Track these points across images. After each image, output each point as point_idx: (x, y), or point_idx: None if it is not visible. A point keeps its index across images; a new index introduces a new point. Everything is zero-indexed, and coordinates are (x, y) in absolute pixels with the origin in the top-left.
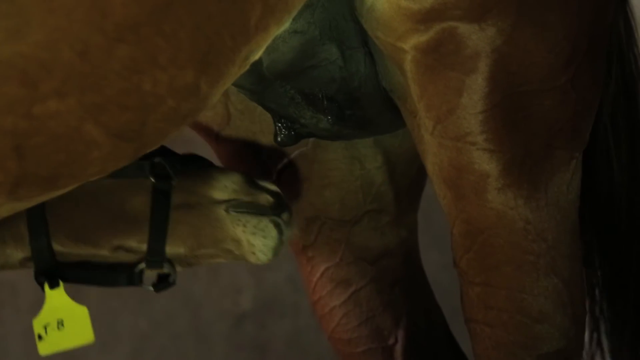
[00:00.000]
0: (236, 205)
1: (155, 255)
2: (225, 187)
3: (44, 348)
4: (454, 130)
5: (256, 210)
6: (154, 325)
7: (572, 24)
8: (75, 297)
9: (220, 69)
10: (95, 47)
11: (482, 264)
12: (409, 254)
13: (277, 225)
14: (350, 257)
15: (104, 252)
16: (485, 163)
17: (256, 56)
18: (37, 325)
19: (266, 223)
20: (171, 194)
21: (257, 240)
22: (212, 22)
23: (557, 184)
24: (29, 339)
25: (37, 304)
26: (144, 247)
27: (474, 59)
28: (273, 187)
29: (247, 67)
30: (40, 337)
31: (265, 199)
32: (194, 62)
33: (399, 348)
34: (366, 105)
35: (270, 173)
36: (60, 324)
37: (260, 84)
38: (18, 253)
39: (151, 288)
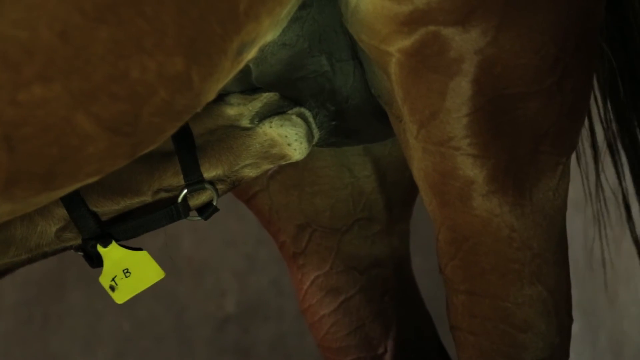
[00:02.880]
0: (256, 114)
1: (194, 179)
2: (232, 106)
3: (119, 297)
4: (438, 134)
5: (274, 109)
6: (137, 327)
7: (559, 23)
8: (56, 296)
9: (212, 60)
10: (74, 28)
11: (466, 271)
12: (399, 263)
13: (299, 115)
14: (340, 265)
15: (145, 198)
16: (470, 169)
17: (250, 54)
18: (105, 281)
19: (289, 115)
20: (189, 125)
21: (287, 130)
22: (196, 5)
23: (543, 190)
24: (9, 340)
25: (20, 305)
26: (181, 179)
27: (457, 62)
28: (267, 92)
29: (241, 65)
30: (112, 288)
31: (273, 98)
32: (182, 48)
33: (388, 358)
34: (353, 117)
35: (260, 180)
36: (127, 272)
37: None
38: (51, 226)
39: (199, 218)
